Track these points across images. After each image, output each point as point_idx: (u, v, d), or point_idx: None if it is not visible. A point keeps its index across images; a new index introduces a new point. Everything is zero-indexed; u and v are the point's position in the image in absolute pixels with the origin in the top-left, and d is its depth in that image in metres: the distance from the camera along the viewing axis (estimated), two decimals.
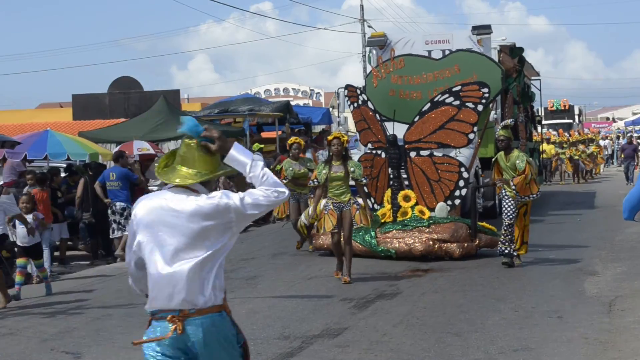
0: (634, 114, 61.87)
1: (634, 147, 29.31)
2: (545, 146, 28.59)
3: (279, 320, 8.25)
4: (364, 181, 10.61)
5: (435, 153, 12.61)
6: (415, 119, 12.66)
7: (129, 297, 10.06)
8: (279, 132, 23.89)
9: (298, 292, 9.68)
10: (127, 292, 10.52)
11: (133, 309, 9.17)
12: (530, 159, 11.11)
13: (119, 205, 13.48)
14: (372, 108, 12.89)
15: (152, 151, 17.88)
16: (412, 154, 12.65)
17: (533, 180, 11.16)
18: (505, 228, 10.99)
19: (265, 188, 3.67)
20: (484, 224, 12.48)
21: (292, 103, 29.13)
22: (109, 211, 13.60)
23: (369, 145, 13.22)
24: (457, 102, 12.29)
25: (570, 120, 44.89)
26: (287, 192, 3.72)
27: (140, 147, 17.46)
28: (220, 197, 3.65)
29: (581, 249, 12.67)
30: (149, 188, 17.11)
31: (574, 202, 21.14)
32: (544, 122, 38.65)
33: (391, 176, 12.66)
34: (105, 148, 18.72)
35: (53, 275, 12.07)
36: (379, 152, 12.92)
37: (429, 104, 12.58)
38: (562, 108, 46.24)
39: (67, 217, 13.81)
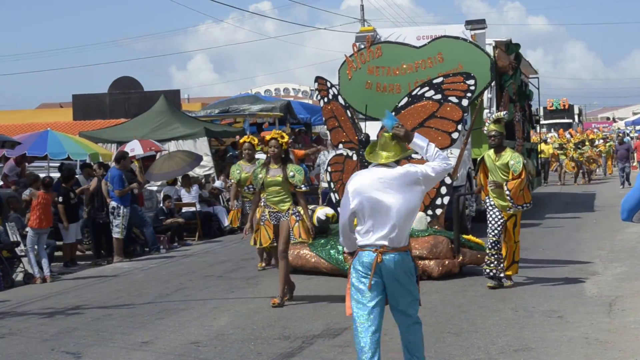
0: (634, 113, 61.87)
1: (626, 147, 28.52)
2: (543, 146, 28.29)
3: (279, 320, 8.25)
4: (304, 188, 9.17)
5: (413, 155, 11.46)
6: None
7: (129, 297, 10.07)
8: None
9: (298, 292, 9.66)
10: (127, 292, 10.55)
11: (133, 309, 9.18)
12: (527, 160, 9.79)
13: (111, 204, 13.61)
14: (343, 103, 11.59)
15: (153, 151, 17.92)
16: None
17: (527, 186, 9.77)
18: (490, 245, 9.66)
19: (439, 161, 5.54)
20: (469, 237, 11.08)
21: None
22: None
23: (340, 146, 11.94)
24: (438, 96, 10.65)
25: (570, 120, 44.76)
26: (452, 163, 5.49)
27: (135, 147, 17.42)
28: (409, 167, 5.48)
29: (581, 249, 12.68)
30: (149, 189, 17.17)
31: (574, 203, 21.14)
32: (543, 121, 38.63)
33: None
34: (105, 148, 18.72)
35: (53, 275, 12.08)
36: (350, 153, 11.63)
37: (405, 99, 10.99)
38: (562, 107, 46.13)
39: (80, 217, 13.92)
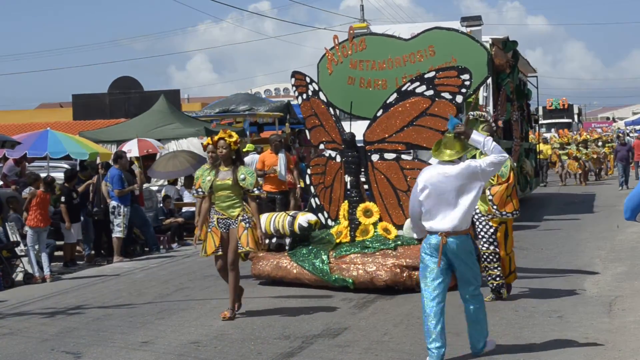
0: (634, 113, 61.87)
1: (628, 148, 28.00)
2: (542, 146, 28.06)
3: (279, 320, 8.25)
4: (256, 192, 8.47)
5: (403, 156, 10.25)
6: (378, 114, 10.22)
7: (129, 297, 10.07)
8: (279, 132, 23.87)
9: (298, 292, 9.67)
10: (127, 292, 10.55)
11: (133, 309, 9.18)
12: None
13: (111, 204, 13.62)
14: (325, 100, 10.64)
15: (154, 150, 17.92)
16: (375, 158, 10.31)
17: (515, 192, 8.79)
18: (489, 259, 8.79)
19: (495, 154, 6.38)
20: None
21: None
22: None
23: (321, 147, 11.10)
24: (430, 92, 9.75)
25: (570, 120, 44.64)
26: (506, 155, 6.49)
27: (132, 148, 17.41)
28: (470, 162, 6.40)
29: (581, 249, 12.68)
30: (150, 188, 17.17)
31: (574, 203, 21.14)
32: (542, 121, 38.52)
33: (348, 185, 10.41)
34: (105, 148, 18.72)
35: (53, 275, 12.08)
36: (333, 154, 10.72)
37: (395, 95, 10.08)
38: (561, 107, 46.02)
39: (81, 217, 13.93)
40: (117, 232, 13.57)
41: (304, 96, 11.01)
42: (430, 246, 6.41)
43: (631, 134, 40.43)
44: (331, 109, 10.59)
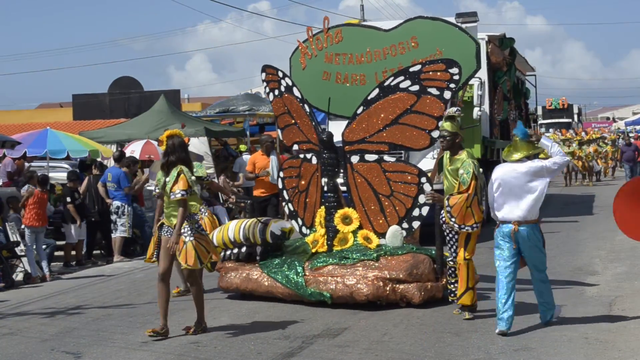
0: (634, 113, 61.90)
1: (634, 149, 27.76)
2: None
3: (279, 320, 8.25)
4: (178, 196, 7.41)
5: (385, 158, 9.35)
6: (359, 111, 9.34)
7: (129, 297, 10.07)
8: (274, 134, 23.82)
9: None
10: (127, 292, 10.55)
11: (133, 309, 9.18)
12: (480, 170, 8.01)
13: (115, 204, 13.58)
14: (299, 97, 9.76)
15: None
16: (354, 159, 9.42)
17: (477, 203, 7.96)
18: (450, 271, 8.41)
19: (559, 156, 7.45)
20: None
21: None
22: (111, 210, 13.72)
23: (295, 147, 10.21)
24: (415, 88, 8.91)
25: (569, 120, 44.50)
26: (568, 158, 7.57)
27: (135, 149, 17.39)
28: (537, 162, 7.43)
29: (581, 249, 12.68)
30: (148, 188, 17.16)
31: (574, 203, 21.14)
32: (542, 121, 38.42)
33: (325, 189, 9.54)
34: (105, 147, 18.70)
35: (53, 274, 12.08)
36: (308, 156, 9.83)
37: (376, 90, 9.23)
38: (561, 107, 45.89)
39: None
40: (121, 232, 13.54)
41: (276, 92, 10.12)
42: (504, 234, 7.41)
43: (631, 134, 40.42)
44: (306, 106, 9.73)
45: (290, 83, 9.88)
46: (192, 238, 7.46)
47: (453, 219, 7.89)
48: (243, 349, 7.16)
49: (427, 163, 12.88)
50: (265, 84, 10.29)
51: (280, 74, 9.99)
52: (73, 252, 13.46)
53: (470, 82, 14.33)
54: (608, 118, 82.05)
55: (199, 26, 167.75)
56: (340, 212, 9.39)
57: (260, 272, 9.21)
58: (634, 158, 27.23)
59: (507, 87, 17.82)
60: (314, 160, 9.71)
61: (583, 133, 33.73)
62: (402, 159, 12.44)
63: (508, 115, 18.06)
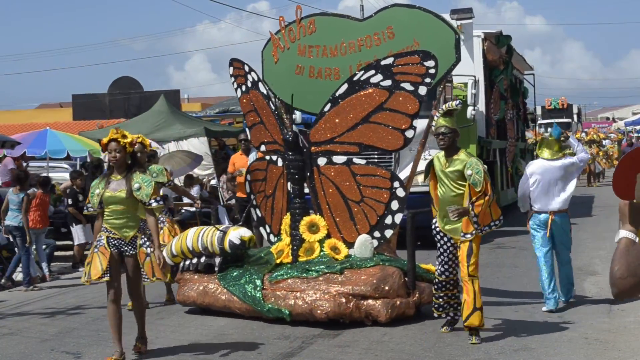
0: (634, 113, 61.86)
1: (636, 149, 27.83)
2: None
3: (279, 320, 8.24)
4: (154, 204, 6.79)
5: (355, 160, 8.49)
6: (326, 109, 8.50)
7: (128, 297, 10.04)
8: None
9: None
10: (127, 292, 10.51)
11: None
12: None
13: None
14: (265, 93, 9.01)
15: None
16: (321, 161, 8.57)
17: (494, 201, 7.26)
18: (436, 287, 7.48)
19: (583, 154, 8.85)
20: (429, 266, 8.53)
21: None
22: None
23: (263, 148, 9.29)
24: (387, 83, 8.11)
25: (569, 120, 44.33)
26: (588, 155, 9.19)
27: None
28: (569, 159, 8.59)
29: (581, 249, 12.67)
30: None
31: (574, 204, 21.10)
32: (541, 121, 38.29)
33: (291, 194, 8.78)
34: None
35: (52, 274, 12.08)
36: (274, 158, 9.00)
37: (345, 86, 8.41)
38: (560, 107, 45.77)
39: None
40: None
41: (243, 88, 9.29)
42: (540, 222, 8.42)
43: (631, 134, 40.38)
44: (271, 104, 8.94)
45: (256, 78, 9.12)
46: (152, 249, 6.83)
47: (476, 226, 6.97)
48: (243, 349, 7.15)
49: (420, 164, 12.68)
50: (232, 78, 9.49)
51: (247, 68, 9.20)
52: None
53: (464, 81, 14.28)
54: (608, 118, 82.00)
55: (198, 26, 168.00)
56: (306, 219, 8.52)
57: (217, 285, 8.45)
58: None
59: (504, 86, 17.53)
60: (280, 163, 8.90)
61: (583, 134, 33.67)
62: (392, 159, 12.14)
63: (505, 115, 17.81)
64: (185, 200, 16.59)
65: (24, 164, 16.49)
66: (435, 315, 7.53)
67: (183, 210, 16.51)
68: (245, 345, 7.28)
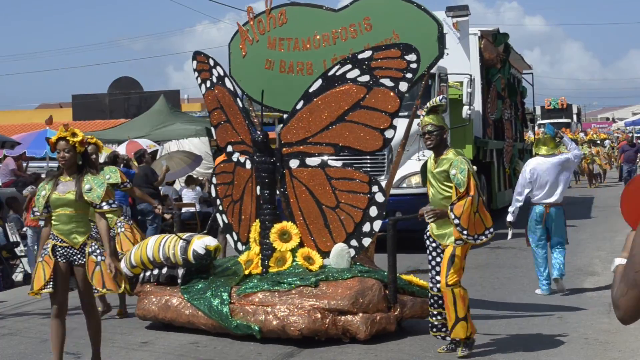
0: (634, 114, 61.89)
1: (636, 149, 27.18)
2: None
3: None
4: (105, 207, 6.18)
5: (330, 162, 7.81)
6: (298, 107, 7.80)
7: (128, 297, 10.04)
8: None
9: None
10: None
11: (133, 309, 9.16)
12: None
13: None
14: (232, 89, 8.31)
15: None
16: (293, 164, 7.87)
17: (483, 205, 6.55)
18: (432, 300, 6.89)
19: (576, 151, 9.67)
20: (411, 277, 7.77)
21: None
22: None
23: (229, 149, 8.49)
24: (365, 78, 7.43)
25: (569, 120, 44.32)
26: (581, 152, 10.30)
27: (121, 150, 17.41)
28: (564, 155, 9.47)
29: (581, 249, 12.68)
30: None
31: (574, 204, 21.13)
32: (540, 121, 38.24)
33: (261, 199, 7.99)
34: (106, 147, 18.74)
35: None
36: (242, 159, 8.28)
37: (319, 82, 7.70)
38: (560, 107, 45.73)
39: None
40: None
41: (208, 84, 8.53)
42: (537, 214, 9.24)
43: (629, 135, 40.33)
44: (239, 101, 8.29)
45: (222, 73, 8.35)
46: (103, 258, 6.20)
47: (465, 232, 6.40)
48: (243, 349, 7.15)
49: (412, 165, 12.48)
50: (196, 73, 8.68)
51: (212, 62, 8.45)
52: None
53: (459, 79, 14.15)
54: (608, 118, 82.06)
55: (197, 27, 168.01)
56: (277, 226, 7.78)
57: (181, 299, 7.74)
58: (635, 159, 26.91)
59: (501, 85, 17.33)
60: (248, 165, 8.16)
61: (582, 134, 33.63)
62: (385, 160, 11.96)
63: (502, 115, 17.66)
64: (185, 200, 16.65)
65: (24, 164, 16.52)
66: (432, 334, 6.93)
67: (183, 211, 16.54)
68: (245, 345, 7.22)
